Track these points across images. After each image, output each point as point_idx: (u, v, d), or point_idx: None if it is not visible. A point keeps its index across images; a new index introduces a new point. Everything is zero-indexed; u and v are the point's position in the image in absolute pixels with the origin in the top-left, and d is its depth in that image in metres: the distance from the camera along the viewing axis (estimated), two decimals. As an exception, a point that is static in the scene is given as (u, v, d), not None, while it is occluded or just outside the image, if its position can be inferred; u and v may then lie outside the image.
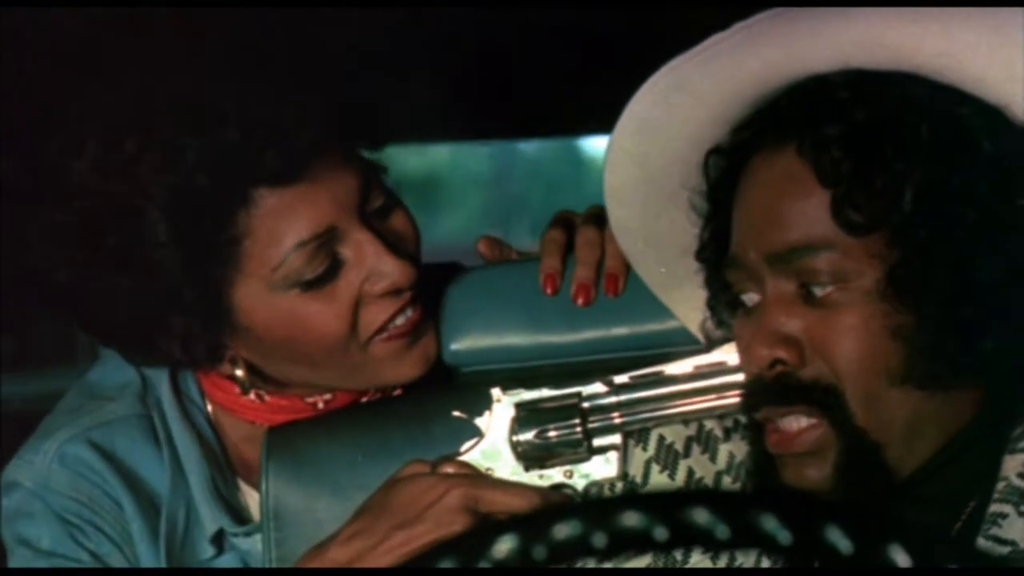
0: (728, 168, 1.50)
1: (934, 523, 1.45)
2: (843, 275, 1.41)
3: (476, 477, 1.60)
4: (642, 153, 1.53)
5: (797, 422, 1.45)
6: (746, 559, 1.51)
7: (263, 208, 1.65)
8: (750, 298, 1.47)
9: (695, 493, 0.96)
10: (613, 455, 1.59)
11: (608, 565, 0.89)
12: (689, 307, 1.63)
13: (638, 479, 1.60)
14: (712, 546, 0.86)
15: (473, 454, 1.61)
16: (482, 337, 1.77)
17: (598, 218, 1.75)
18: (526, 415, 1.59)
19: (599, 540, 0.85)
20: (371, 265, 1.69)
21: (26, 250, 1.69)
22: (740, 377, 1.50)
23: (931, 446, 1.44)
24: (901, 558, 0.84)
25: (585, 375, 1.68)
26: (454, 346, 1.77)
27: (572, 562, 0.86)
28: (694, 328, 1.64)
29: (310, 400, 1.79)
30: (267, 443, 1.74)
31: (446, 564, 0.85)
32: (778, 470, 1.47)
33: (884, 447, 1.43)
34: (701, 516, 0.85)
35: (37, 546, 1.77)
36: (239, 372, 1.74)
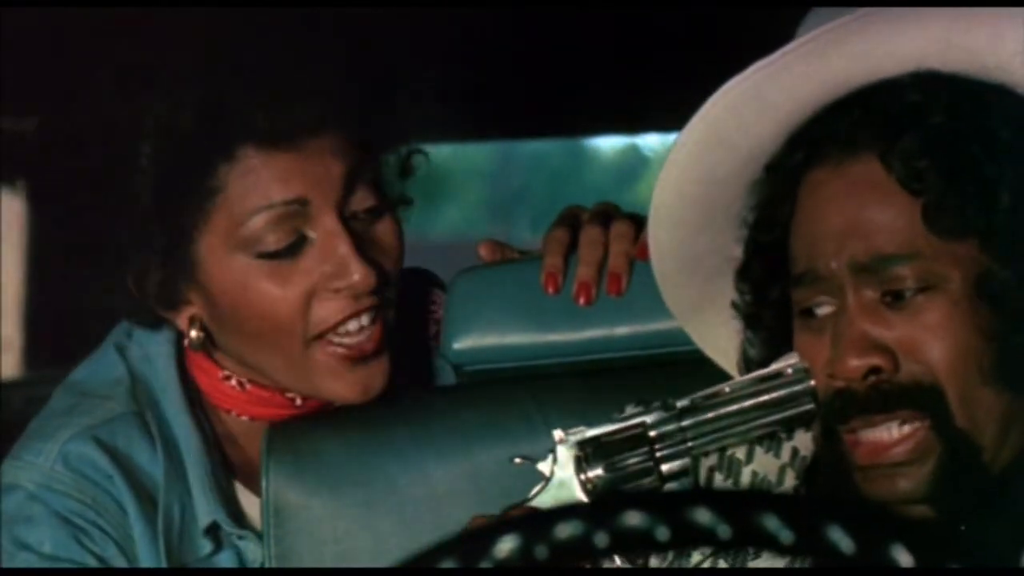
0: (786, 182, 1.48)
1: (1009, 539, 1.43)
2: (929, 280, 1.40)
3: None
4: (703, 168, 1.51)
5: (899, 430, 1.42)
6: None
7: (243, 166, 1.67)
8: (821, 310, 1.45)
9: (696, 492, 0.96)
10: (684, 481, 1.57)
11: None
12: (708, 328, 1.61)
13: None
14: (714, 546, 0.86)
15: (541, 498, 1.58)
16: (484, 336, 1.76)
17: (603, 216, 1.75)
18: (592, 451, 1.57)
19: (601, 540, 0.85)
20: (335, 259, 1.69)
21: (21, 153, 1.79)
22: (804, 385, 1.48)
23: (1013, 453, 1.42)
24: (903, 557, 0.84)
25: (589, 375, 1.68)
26: (456, 345, 1.76)
27: (574, 562, 0.86)
28: (715, 354, 1.62)
29: (289, 395, 1.79)
30: (267, 439, 1.74)
31: (447, 564, 0.85)
32: (859, 483, 1.43)
33: (981, 451, 1.41)
34: (703, 516, 0.85)
35: (39, 550, 1.73)
36: (193, 333, 1.75)
